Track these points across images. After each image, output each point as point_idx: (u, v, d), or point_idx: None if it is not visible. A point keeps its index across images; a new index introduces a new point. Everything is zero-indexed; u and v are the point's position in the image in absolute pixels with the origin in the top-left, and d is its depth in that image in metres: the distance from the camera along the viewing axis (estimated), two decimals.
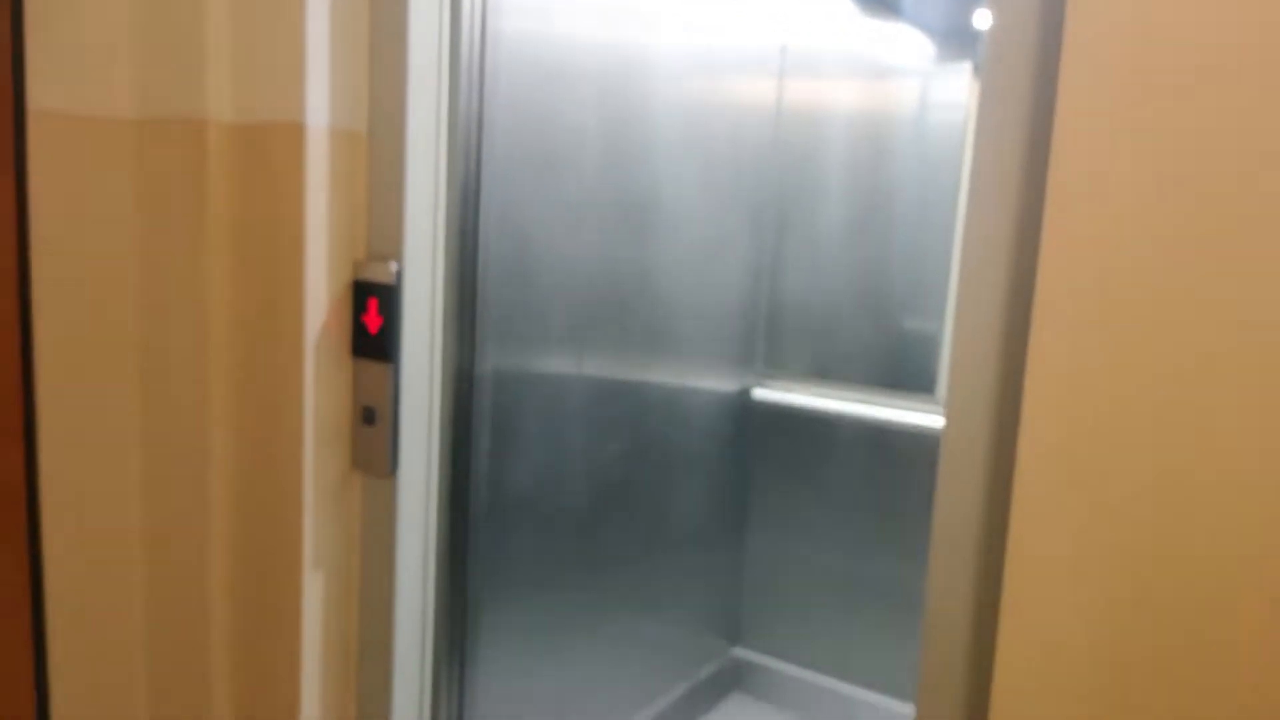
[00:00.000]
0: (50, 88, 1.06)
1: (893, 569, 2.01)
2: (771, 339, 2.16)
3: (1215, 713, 0.63)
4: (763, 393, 2.14)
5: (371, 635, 1.18)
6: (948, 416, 0.80)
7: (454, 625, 1.28)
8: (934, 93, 2.05)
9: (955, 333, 0.80)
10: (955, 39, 2.04)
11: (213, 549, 1.15)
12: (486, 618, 1.44)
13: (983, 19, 1.96)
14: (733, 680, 2.25)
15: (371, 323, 1.11)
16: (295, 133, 1.05)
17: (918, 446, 1.93)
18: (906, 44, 2.11)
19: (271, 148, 1.07)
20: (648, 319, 1.76)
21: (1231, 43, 0.60)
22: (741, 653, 2.25)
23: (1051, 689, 0.70)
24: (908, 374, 2.10)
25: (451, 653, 1.28)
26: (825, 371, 2.11)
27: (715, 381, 2.02)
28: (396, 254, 1.10)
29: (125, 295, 1.14)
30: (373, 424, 1.12)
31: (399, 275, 1.09)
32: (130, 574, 1.19)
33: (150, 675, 1.21)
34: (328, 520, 1.13)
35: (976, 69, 1.97)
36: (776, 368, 2.15)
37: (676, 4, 1.70)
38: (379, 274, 1.10)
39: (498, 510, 1.46)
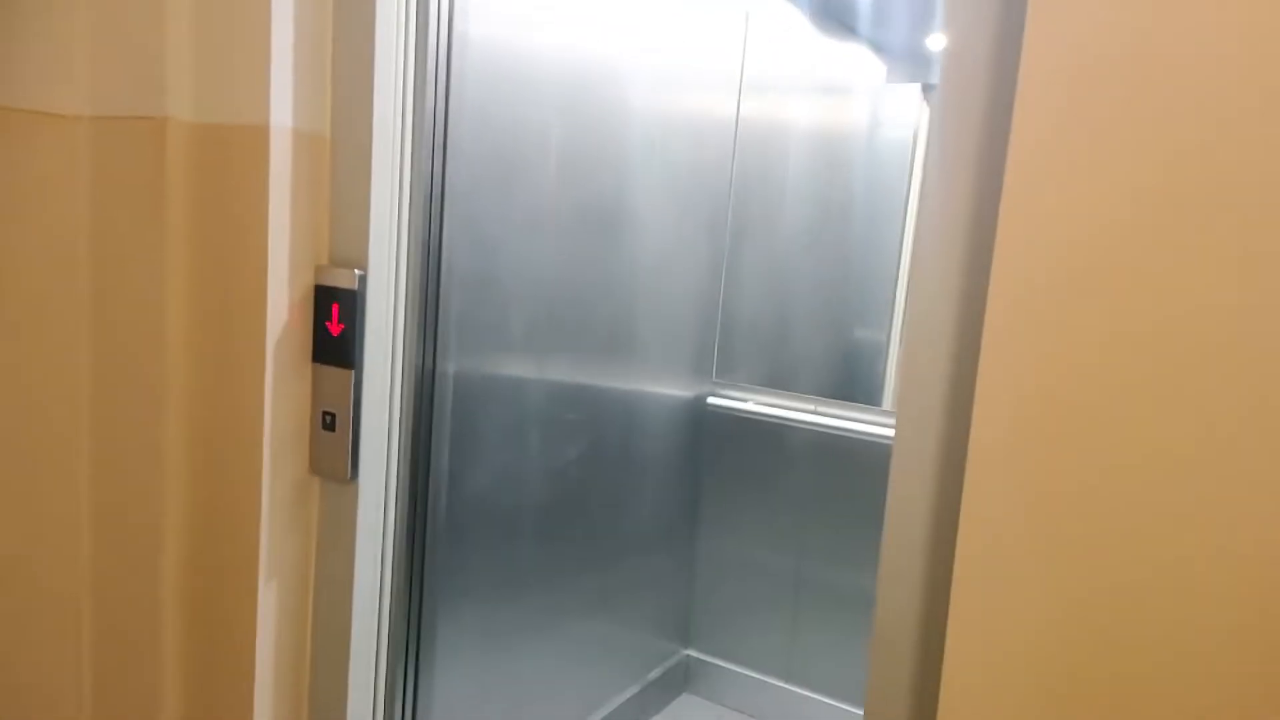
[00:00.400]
0: (6, 84, 1.04)
1: (842, 574, 2.07)
2: (726, 347, 2.19)
3: (1161, 715, 0.67)
4: (717, 400, 2.18)
5: (327, 643, 1.17)
6: (899, 424, 0.84)
7: (410, 631, 1.28)
8: (884, 111, 2.12)
9: (906, 342, 0.83)
10: (906, 60, 2.11)
11: (166, 555, 1.13)
12: (443, 623, 1.44)
13: (936, 41, 2.03)
14: (683, 681, 2.28)
15: (333, 328, 1.10)
16: (259, 134, 1.04)
17: (868, 454, 1.99)
18: (859, 64, 2.17)
19: (234, 148, 1.06)
20: (608, 326, 1.77)
21: (1185, 64, 0.64)
22: (692, 654, 2.28)
23: (999, 693, 0.73)
24: (857, 383, 2.16)
25: (407, 659, 1.28)
26: (778, 380, 2.16)
27: (672, 388, 2.05)
28: (360, 259, 1.10)
29: (77, 293, 1.12)
30: (333, 429, 1.12)
31: (362, 281, 1.09)
32: (77, 580, 1.17)
33: (97, 685, 1.19)
34: (285, 526, 1.12)
35: (925, 89, 2.03)
36: (731, 376, 2.19)
37: (641, 20, 1.72)
38: (342, 279, 1.09)
39: (456, 514, 1.46)
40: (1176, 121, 0.65)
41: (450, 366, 1.38)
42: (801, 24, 2.13)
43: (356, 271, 1.09)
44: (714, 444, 2.20)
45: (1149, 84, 0.65)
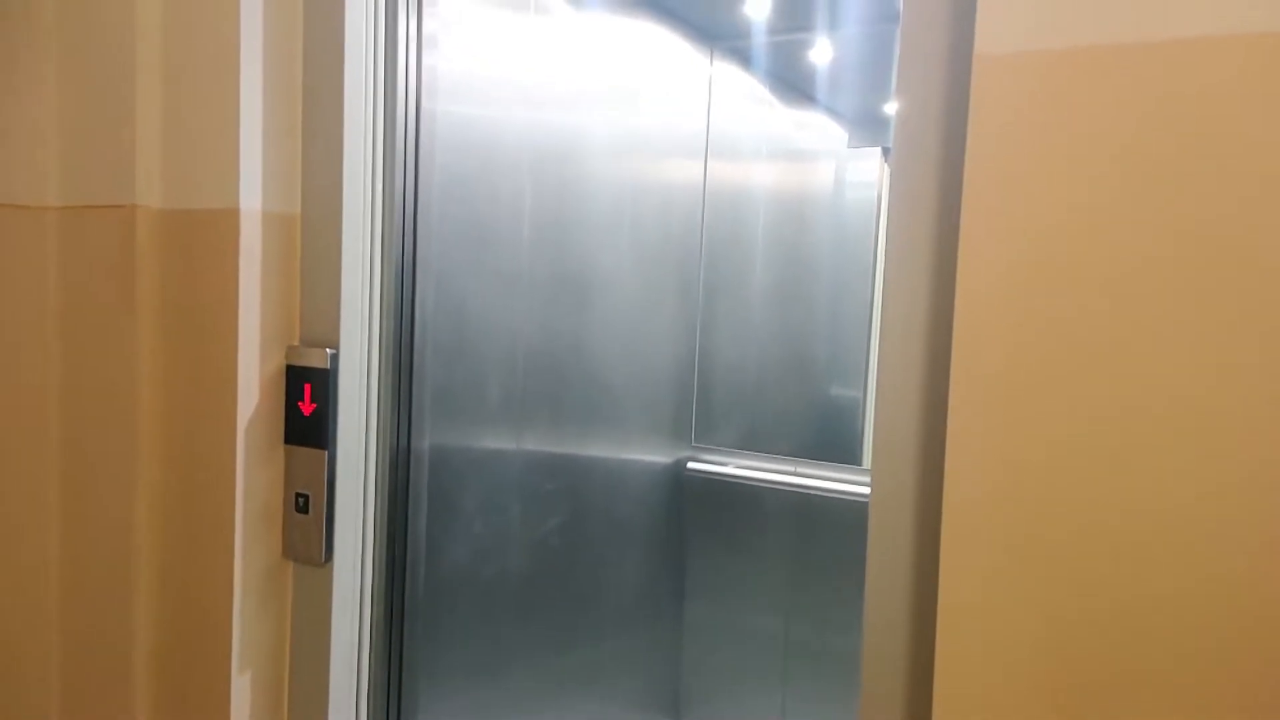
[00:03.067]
0: None
1: (832, 635, 2.03)
2: (704, 411, 2.19)
3: None
4: (697, 465, 2.17)
5: None
6: (873, 484, 0.84)
7: (390, 715, 1.24)
8: (848, 173, 2.17)
9: (878, 404, 0.84)
10: (866, 125, 2.18)
11: (137, 645, 1.09)
12: (424, 706, 1.39)
13: (891, 107, 2.10)
14: None
15: (305, 408, 1.09)
16: (229, 218, 1.04)
17: (850, 513, 1.98)
18: (821, 130, 2.24)
19: (204, 233, 1.06)
20: (585, 392, 1.77)
21: (1128, 131, 0.67)
22: None
23: None
24: (836, 442, 2.16)
25: None
26: (758, 440, 2.15)
27: (652, 454, 2.04)
28: (331, 338, 1.09)
29: (47, 381, 1.10)
30: (306, 512, 1.10)
31: (334, 359, 1.09)
32: (47, 669, 1.12)
33: None
34: (258, 613, 1.09)
35: (885, 153, 2.09)
36: (709, 439, 2.19)
37: (607, 90, 1.77)
38: (313, 359, 1.09)
39: (436, 592, 1.43)
40: (1119, 191, 0.67)
41: (426, 441, 1.37)
42: (764, 93, 2.20)
43: (328, 350, 1.08)
44: (696, 509, 2.18)
45: (1084, 142, 0.68)
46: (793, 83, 2.17)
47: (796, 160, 2.21)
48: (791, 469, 2.08)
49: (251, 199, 1.05)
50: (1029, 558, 0.70)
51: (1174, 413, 0.66)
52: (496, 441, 1.56)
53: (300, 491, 1.10)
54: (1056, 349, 0.69)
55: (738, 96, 2.18)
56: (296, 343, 1.11)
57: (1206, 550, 0.65)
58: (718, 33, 2.11)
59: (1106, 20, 0.67)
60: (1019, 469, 0.70)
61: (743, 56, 2.14)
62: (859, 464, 2.04)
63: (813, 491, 2.02)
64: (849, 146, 2.19)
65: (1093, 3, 0.67)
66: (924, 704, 0.81)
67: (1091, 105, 0.67)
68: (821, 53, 2.13)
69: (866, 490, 0.81)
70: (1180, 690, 0.66)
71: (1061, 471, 0.69)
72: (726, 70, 2.15)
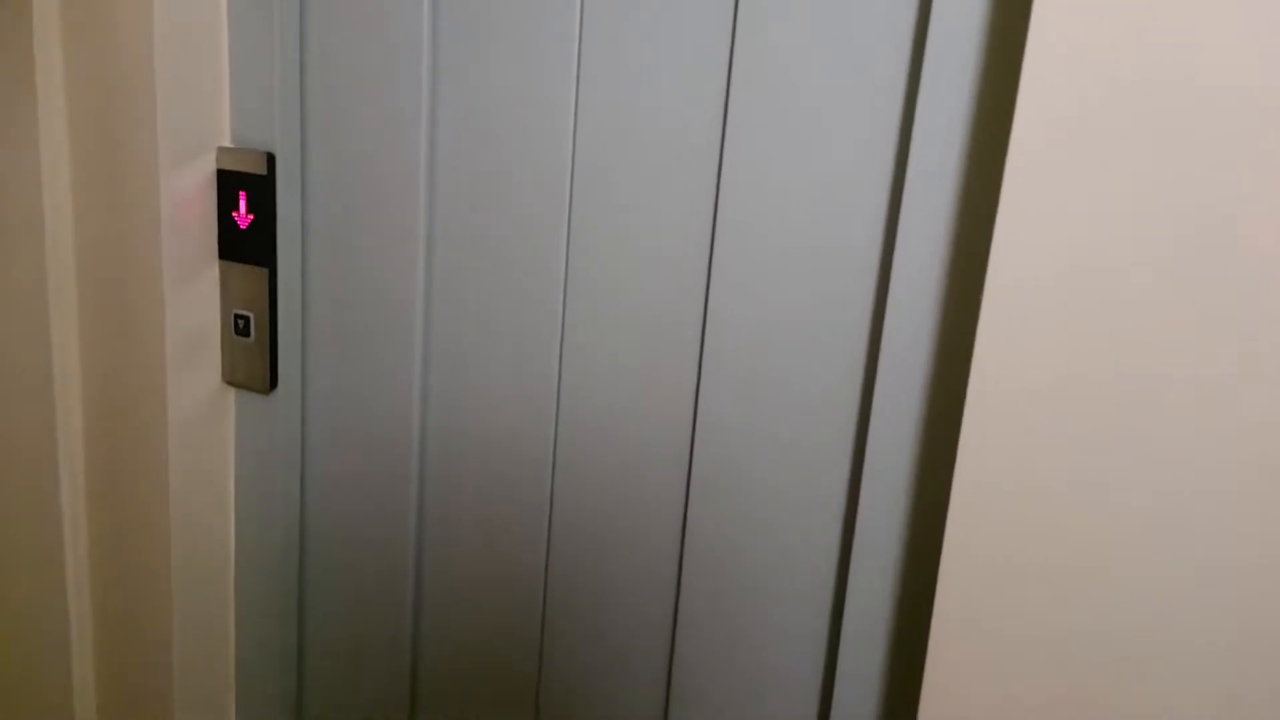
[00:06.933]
0: None
1: None
2: None
3: None
4: None
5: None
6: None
7: None
8: None
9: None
10: None
11: (64, 484, 1.01)
12: None
13: None
14: None
15: (241, 220, 0.97)
16: None
17: None
18: None
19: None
20: None
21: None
22: None
23: None
24: None
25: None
26: None
27: None
28: (267, 138, 0.96)
29: None
30: (247, 335, 1.00)
31: (271, 164, 0.96)
32: None
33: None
34: (197, 444, 1.01)
35: None
36: None
37: None
38: (248, 163, 0.96)
39: None
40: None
41: None
42: None
43: (266, 153, 0.95)
44: None
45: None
46: None
47: None
48: None
49: None
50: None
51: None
52: None
53: (240, 313, 0.99)
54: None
55: None
56: (227, 144, 0.98)
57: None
58: None
59: None
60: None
61: None
62: None
63: None
64: None
65: None
66: None
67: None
68: None
69: None
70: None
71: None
72: None
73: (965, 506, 0.67)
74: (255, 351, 1.00)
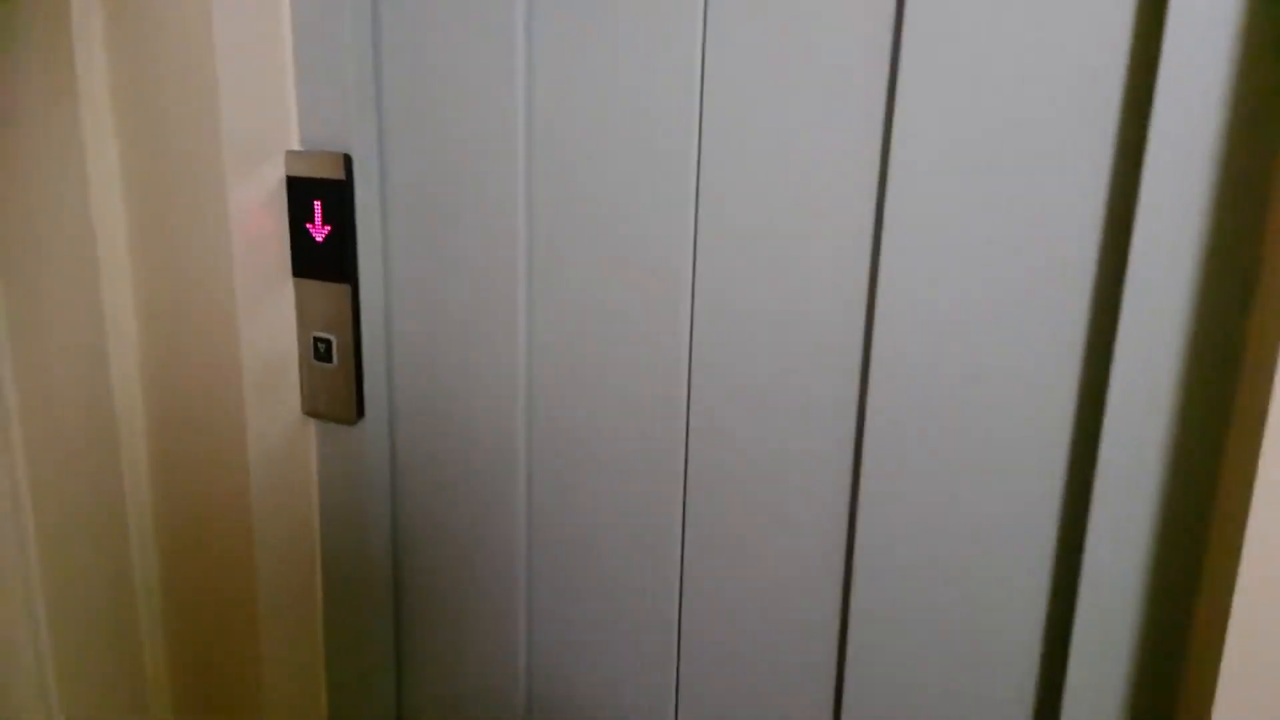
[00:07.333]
0: None
1: None
2: None
3: None
4: None
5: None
6: None
7: None
8: None
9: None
10: None
11: (133, 542, 0.91)
12: None
13: None
14: None
15: (317, 232, 0.86)
16: None
17: None
18: None
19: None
20: None
21: None
22: None
23: None
24: None
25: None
26: None
27: None
28: (342, 138, 0.85)
29: None
30: (329, 360, 0.89)
31: (349, 166, 0.85)
32: (25, 556, 0.94)
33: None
34: (277, 484, 0.91)
35: None
36: None
37: None
38: (323, 168, 0.85)
39: None
40: None
41: None
42: None
43: (342, 154, 0.84)
44: None
45: None
46: None
47: None
48: None
49: None
50: None
51: None
52: None
53: (320, 335, 0.89)
54: None
55: None
56: (296, 146, 0.87)
57: None
58: None
59: None
60: None
61: None
62: None
63: None
64: None
65: None
66: None
67: None
68: None
69: None
70: None
71: None
72: None
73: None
74: (339, 378, 0.89)
